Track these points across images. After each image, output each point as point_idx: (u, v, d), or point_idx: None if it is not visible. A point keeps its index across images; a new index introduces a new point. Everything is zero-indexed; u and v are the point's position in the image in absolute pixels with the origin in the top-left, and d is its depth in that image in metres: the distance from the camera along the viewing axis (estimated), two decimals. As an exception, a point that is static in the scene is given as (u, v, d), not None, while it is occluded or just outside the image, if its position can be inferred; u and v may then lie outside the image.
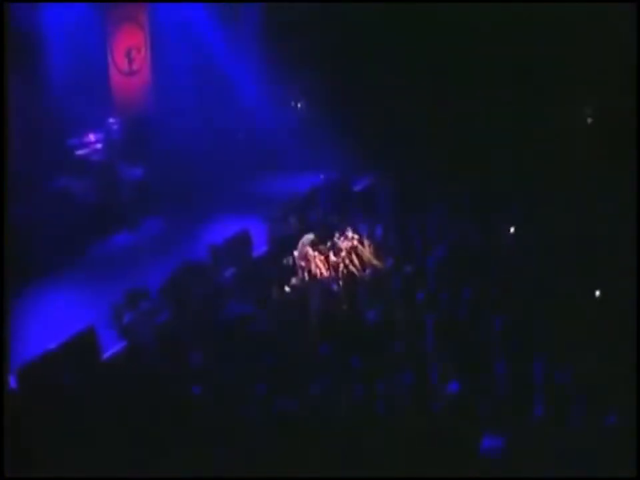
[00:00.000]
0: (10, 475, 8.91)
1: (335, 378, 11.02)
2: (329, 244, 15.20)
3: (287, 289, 14.31)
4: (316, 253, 14.88)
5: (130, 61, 20.11)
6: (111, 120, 19.19)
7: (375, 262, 15.08)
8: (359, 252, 15.08)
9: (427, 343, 11.94)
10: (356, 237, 15.44)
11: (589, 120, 20.94)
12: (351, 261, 14.89)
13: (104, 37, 19.25)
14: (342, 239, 15.27)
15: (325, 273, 14.63)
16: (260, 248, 17.01)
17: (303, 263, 14.69)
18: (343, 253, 15.03)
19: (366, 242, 15.38)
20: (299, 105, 23.11)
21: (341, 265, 14.83)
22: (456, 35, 19.78)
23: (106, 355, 12.78)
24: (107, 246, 17.94)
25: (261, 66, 21.21)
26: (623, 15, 17.91)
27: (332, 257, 14.87)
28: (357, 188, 20.26)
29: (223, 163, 20.11)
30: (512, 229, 15.87)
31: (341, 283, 14.49)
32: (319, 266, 14.66)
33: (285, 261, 14.99)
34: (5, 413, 9.45)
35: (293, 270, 14.80)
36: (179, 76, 20.75)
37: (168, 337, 12.54)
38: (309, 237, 15.20)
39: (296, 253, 14.91)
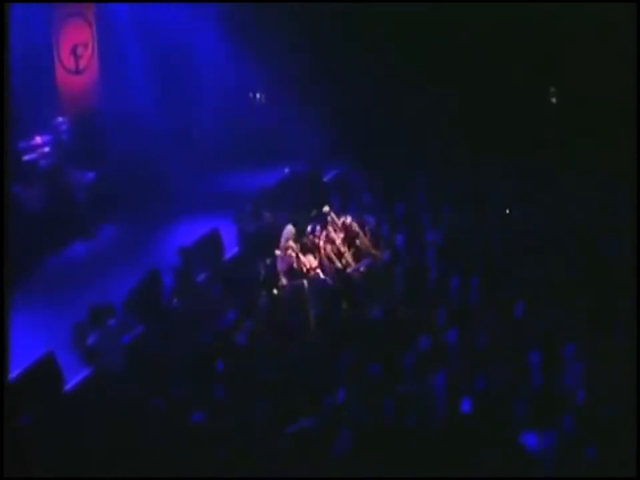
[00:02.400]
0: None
1: (353, 386, 9.28)
2: (314, 236, 12.91)
3: (274, 291, 11.92)
4: (299, 247, 12.59)
5: (77, 58, 17.61)
6: (60, 119, 16.59)
7: (373, 251, 12.82)
8: (358, 241, 12.84)
9: (448, 338, 10.26)
10: (354, 225, 13.41)
11: (554, 100, 19.16)
12: (346, 252, 12.64)
13: (49, 34, 16.76)
14: (332, 229, 13.03)
15: (317, 269, 12.33)
16: (230, 248, 14.76)
17: (289, 260, 12.33)
18: (338, 241, 12.78)
19: (362, 230, 13.22)
20: (257, 96, 20.58)
21: (334, 257, 12.55)
22: (426, 22, 17.76)
23: (69, 384, 10.20)
24: (62, 258, 15.18)
25: (221, 58, 18.76)
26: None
27: (323, 250, 12.63)
28: (327, 178, 18.20)
29: (181, 161, 17.69)
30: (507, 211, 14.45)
31: (337, 278, 12.23)
32: (307, 261, 12.37)
33: (267, 260, 12.59)
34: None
35: (276, 269, 12.43)
36: (130, 73, 18.31)
37: (142, 359, 10.02)
38: (291, 229, 12.89)
39: (279, 250, 12.54)
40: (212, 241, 14.03)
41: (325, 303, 11.35)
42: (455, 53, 17.50)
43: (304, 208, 14.90)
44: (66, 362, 10.56)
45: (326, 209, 13.90)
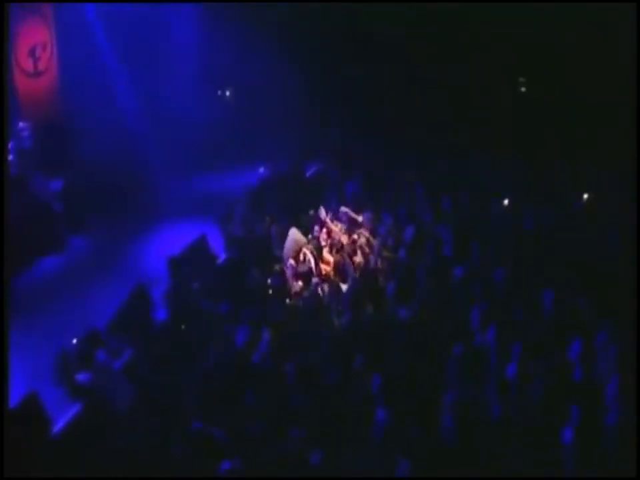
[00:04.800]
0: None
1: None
2: (320, 239, 11.28)
3: (287, 300, 10.29)
4: (309, 251, 11.02)
5: (35, 60, 15.47)
6: (21, 125, 14.46)
7: (386, 253, 11.20)
8: (370, 243, 11.20)
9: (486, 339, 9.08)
10: (364, 228, 11.99)
11: (523, 89, 17.83)
12: (360, 254, 11.22)
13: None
14: (337, 231, 11.43)
15: (330, 273, 10.65)
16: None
17: (303, 266, 10.62)
18: (361, 241, 11.25)
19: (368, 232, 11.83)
20: (227, 94, 18.64)
21: (346, 260, 11.02)
22: (395, 14, 16.26)
23: (58, 425, 8.22)
24: (31, 276, 13.06)
25: (189, 56, 16.94)
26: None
27: (333, 253, 11.35)
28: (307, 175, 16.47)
29: (155, 164, 15.90)
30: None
31: (360, 279, 10.76)
32: (319, 265, 10.71)
33: (276, 267, 10.85)
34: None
35: (284, 276, 10.68)
36: (92, 74, 16.19)
37: (146, 391, 8.11)
38: (298, 234, 11.22)
39: (291, 256, 10.85)
40: (202, 249, 12.18)
41: (350, 307, 9.66)
42: (447, 48, 16.05)
43: (295, 208, 13.27)
44: (50, 398, 8.62)
45: (322, 212, 12.42)
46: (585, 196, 13.65)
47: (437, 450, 7.44)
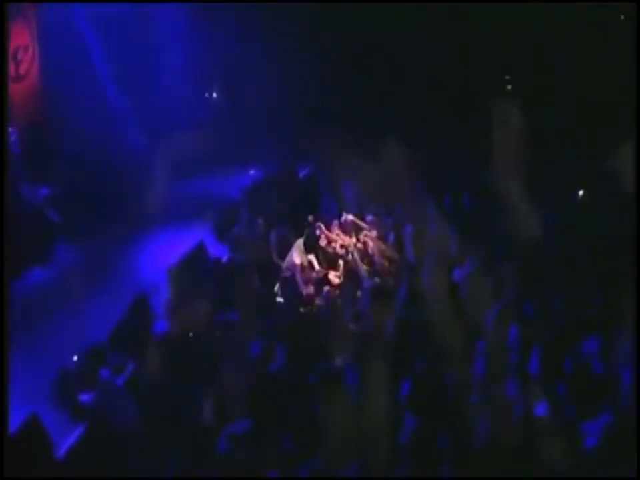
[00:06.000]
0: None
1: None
2: (326, 247, 10.67)
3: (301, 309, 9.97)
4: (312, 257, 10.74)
5: (17, 64, 14.62)
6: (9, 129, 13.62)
7: (389, 253, 10.90)
8: (376, 246, 10.66)
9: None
10: (368, 231, 11.40)
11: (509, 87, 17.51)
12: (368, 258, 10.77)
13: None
14: (341, 238, 10.81)
15: (342, 279, 10.50)
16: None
17: (311, 274, 10.13)
18: (369, 244, 10.91)
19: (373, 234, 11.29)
20: (214, 95, 17.98)
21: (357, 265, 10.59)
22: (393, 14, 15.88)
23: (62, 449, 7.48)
24: (17, 290, 11.76)
25: (178, 57, 16.33)
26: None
27: (342, 258, 10.83)
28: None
29: (144, 169, 15.10)
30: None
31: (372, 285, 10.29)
32: (332, 273, 10.47)
33: (287, 273, 10.32)
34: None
35: (293, 282, 10.10)
36: (78, 77, 15.33)
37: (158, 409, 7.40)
38: (300, 246, 10.96)
39: (297, 264, 10.26)
40: (202, 255, 11.46)
41: (370, 311, 9.10)
42: (446, 47, 15.58)
43: (292, 210, 12.78)
44: (50, 420, 7.85)
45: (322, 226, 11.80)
46: (580, 193, 13.25)
47: (474, 452, 6.88)
